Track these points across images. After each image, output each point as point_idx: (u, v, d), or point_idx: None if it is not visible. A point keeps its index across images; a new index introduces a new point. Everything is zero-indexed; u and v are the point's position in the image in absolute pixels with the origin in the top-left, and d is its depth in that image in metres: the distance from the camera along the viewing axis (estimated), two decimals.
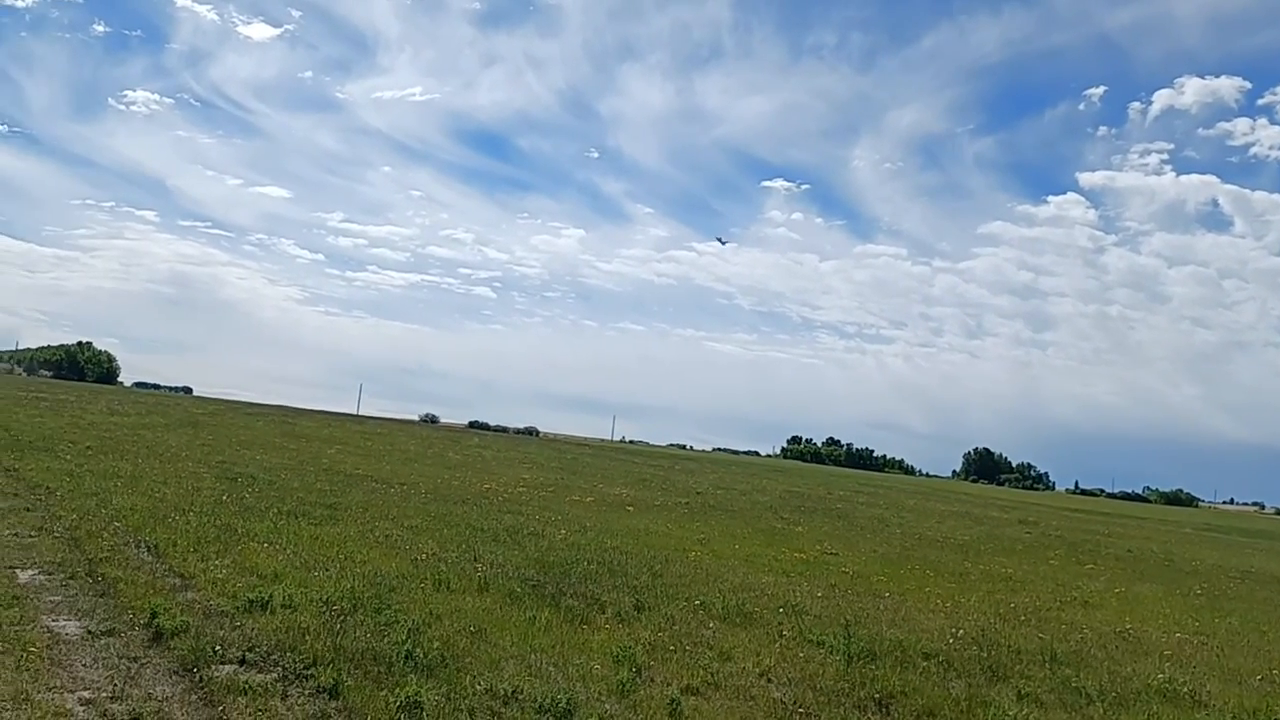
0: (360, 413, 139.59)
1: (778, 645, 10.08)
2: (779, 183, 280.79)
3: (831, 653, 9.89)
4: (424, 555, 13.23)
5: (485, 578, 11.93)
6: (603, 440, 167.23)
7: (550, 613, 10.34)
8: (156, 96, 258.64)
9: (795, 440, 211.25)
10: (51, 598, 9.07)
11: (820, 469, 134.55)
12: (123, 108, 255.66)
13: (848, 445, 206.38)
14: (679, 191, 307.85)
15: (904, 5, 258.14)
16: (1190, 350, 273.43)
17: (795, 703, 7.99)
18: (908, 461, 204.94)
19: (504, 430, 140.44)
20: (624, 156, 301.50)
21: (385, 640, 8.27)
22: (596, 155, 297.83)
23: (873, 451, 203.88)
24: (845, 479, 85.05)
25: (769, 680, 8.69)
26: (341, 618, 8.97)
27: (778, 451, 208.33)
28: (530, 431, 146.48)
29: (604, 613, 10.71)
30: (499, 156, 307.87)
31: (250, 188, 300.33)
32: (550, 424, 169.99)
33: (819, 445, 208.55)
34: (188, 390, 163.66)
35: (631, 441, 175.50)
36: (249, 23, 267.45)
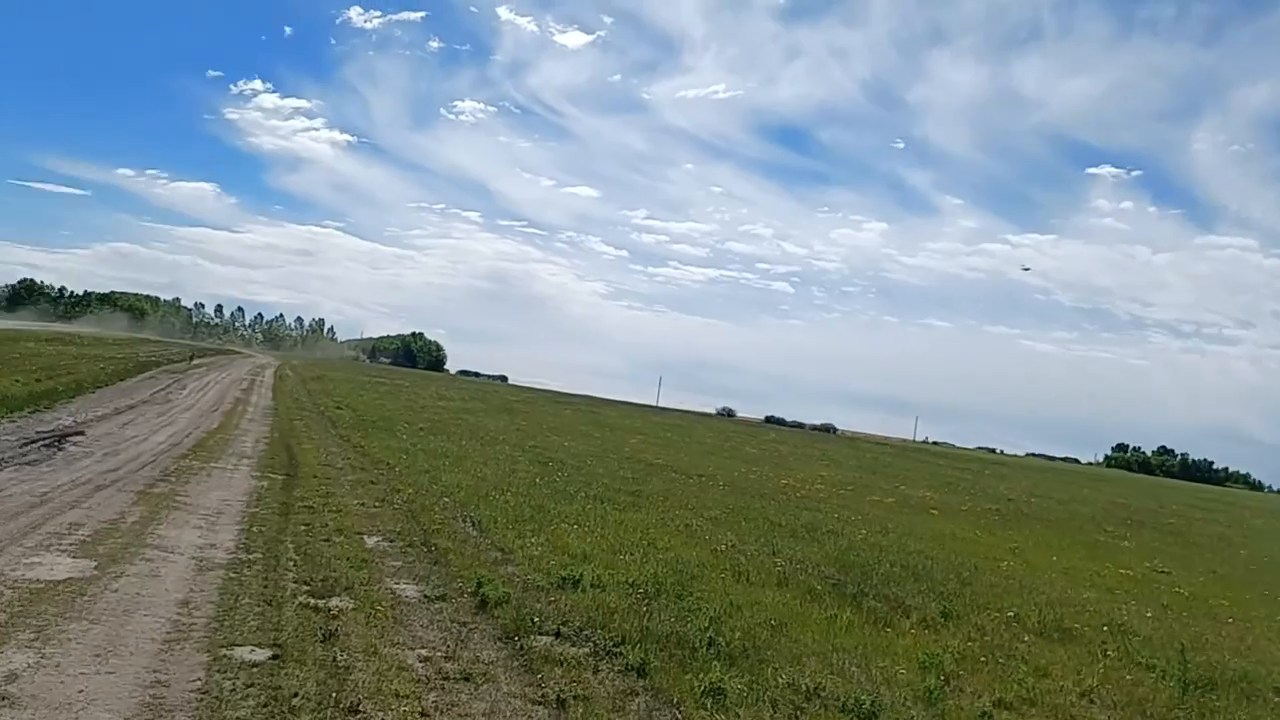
0: (660, 404, 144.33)
1: (1101, 665, 9.26)
2: (1106, 169, 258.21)
3: (1163, 678, 8.94)
4: (723, 546, 13.38)
5: (784, 572, 11.86)
6: (904, 440, 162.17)
7: (851, 613, 10.10)
8: (481, 105, 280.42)
9: (1121, 448, 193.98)
10: (393, 563, 10.03)
11: (1149, 480, 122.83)
12: (452, 117, 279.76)
13: (1182, 455, 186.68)
14: (991, 181, 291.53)
15: None
16: None
17: None
18: (1254, 476, 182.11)
19: (800, 426, 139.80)
20: (931, 146, 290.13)
21: (688, 626, 8.41)
22: (902, 145, 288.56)
23: (1212, 463, 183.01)
24: (1179, 492, 77.07)
25: (1091, 701, 7.99)
26: (646, 601, 9.24)
27: (1100, 460, 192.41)
28: (827, 428, 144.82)
29: (908, 617, 10.31)
30: (799, 150, 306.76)
31: (562, 188, 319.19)
32: (847, 421, 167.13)
33: (1148, 454, 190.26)
34: (504, 378, 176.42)
35: (935, 443, 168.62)
36: (564, 31, 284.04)
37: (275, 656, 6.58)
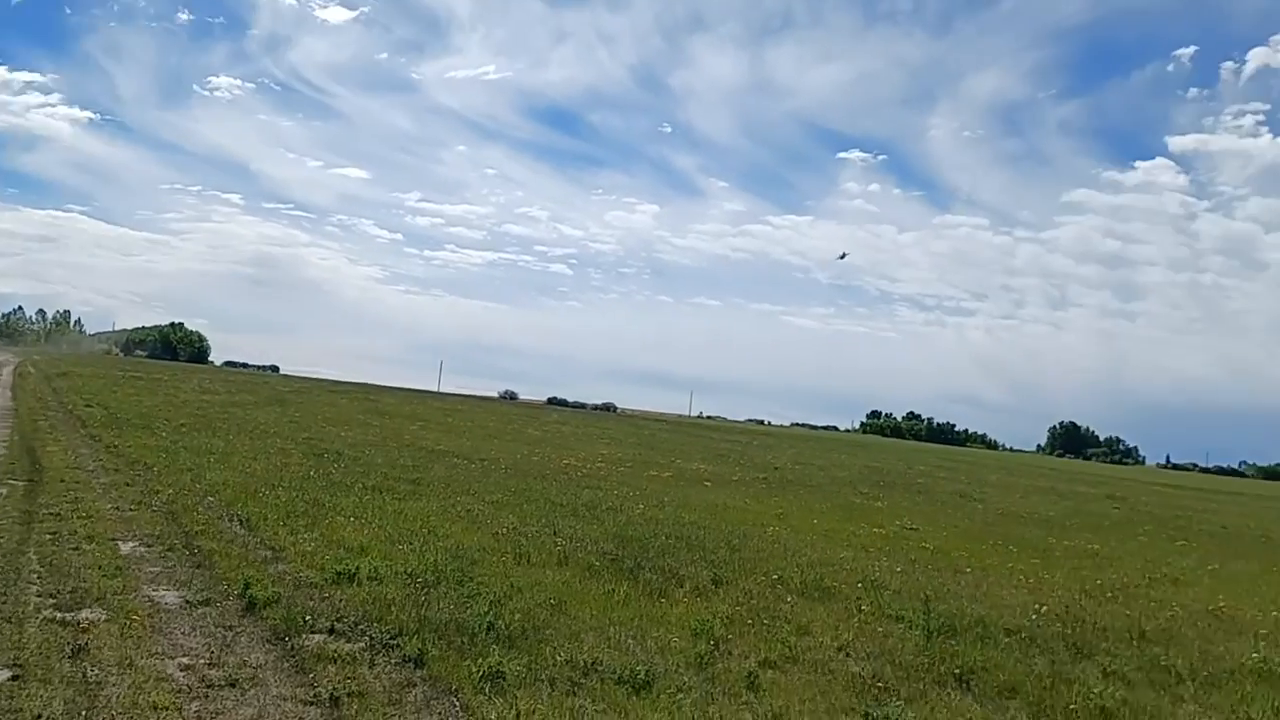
0: (441, 390, 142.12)
1: (856, 620, 10.02)
2: (855, 154, 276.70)
3: (911, 628, 9.80)
4: (505, 529, 13.45)
5: (565, 551, 12.08)
6: (680, 416, 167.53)
7: (629, 586, 10.43)
8: (239, 82, 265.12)
9: (875, 415, 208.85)
10: (151, 568, 9.45)
11: (900, 444, 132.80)
12: (207, 94, 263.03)
13: (928, 420, 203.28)
14: (753, 165, 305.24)
15: None
16: None
17: (874, 677, 7.94)
18: (990, 436, 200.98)
19: (582, 406, 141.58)
20: (696, 130, 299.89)
21: (468, 612, 8.44)
22: (669, 130, 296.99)
23: (954, 426, 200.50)
24: (926, 454, 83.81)
25: (847, 655, 8.65)
26: (425, 590, 9.19)
27: (857, 426, 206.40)
28: (608, 408, 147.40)
29: (682, 587, 10.76)
30: (571, 133, 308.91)
31: (330, 169, 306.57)
32: (628, 400, 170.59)
33: (899, 420, 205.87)
34: (274, 369, 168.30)
35: (709, 417, 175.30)
36: (326, 6, 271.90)
37: (15, 677, 6.10)
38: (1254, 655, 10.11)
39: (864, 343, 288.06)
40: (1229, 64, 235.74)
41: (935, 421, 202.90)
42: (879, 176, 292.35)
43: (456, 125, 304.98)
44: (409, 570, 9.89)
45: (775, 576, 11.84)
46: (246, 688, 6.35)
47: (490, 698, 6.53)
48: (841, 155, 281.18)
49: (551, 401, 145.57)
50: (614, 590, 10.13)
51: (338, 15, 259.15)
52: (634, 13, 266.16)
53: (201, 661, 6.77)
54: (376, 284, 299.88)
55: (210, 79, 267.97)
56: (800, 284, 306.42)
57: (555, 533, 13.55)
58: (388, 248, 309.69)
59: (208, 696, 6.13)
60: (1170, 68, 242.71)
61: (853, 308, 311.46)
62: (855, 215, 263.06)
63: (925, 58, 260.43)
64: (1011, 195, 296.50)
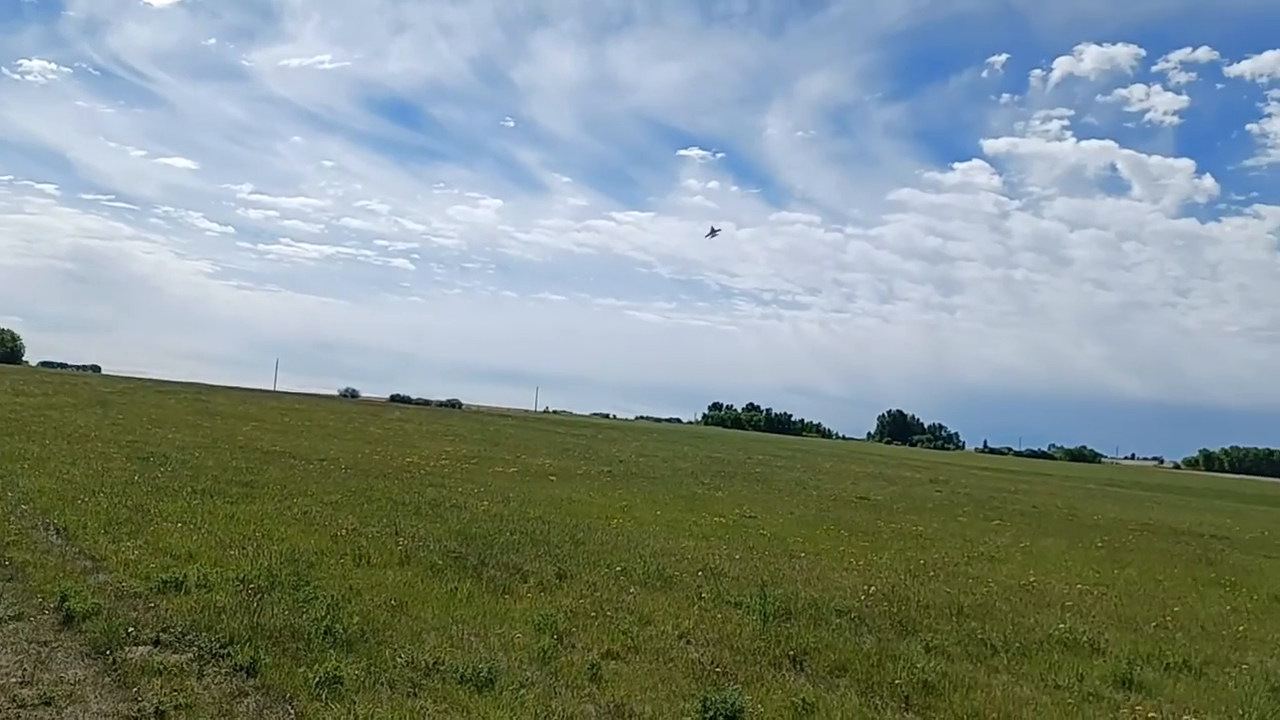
0: (277, 389, 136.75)
1: (696, 608, 10.30)
2: (694, 151, 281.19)
3: (748, 613, 10.15)
4: (344, 530, 13.14)
5: (406, 551, 11.91)
6: (526, 411, 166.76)
7: (472, 584, 10.39)
8: (53, 66, 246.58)
9: (716, 407, 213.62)
10: None
11: (740, 434, 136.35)
12: (18, 78, 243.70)
13: (767, 410, 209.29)
14: (596, 161, 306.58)
15: None
16: (1092, 311, 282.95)
17: (713, 662, 8.20)
18: (825, 425, 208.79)
19: (426, 403, 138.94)
20: (539, 125, 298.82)
21: (304, 617, 8.23)
22: (512, 124, 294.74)
23: (791, 416, 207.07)
24: (764, 444, 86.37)
25: (688, 642, 8.90)
26: (259, 596, 8.90)
27: (699, 418, 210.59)
28: (453, 404, 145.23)
29: (526, 582, 10.80)
30: (412, 126, 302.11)
31: (154, 159, 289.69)
32: (473, 396, 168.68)
33: (739, 411, 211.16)
34: (96, 369, 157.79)
35: (555, 412, 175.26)
36: None
37: None
38: (1060, 626, 10.96)
39: (706, 336, 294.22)
40: (1037, 71, 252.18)
41: (774, 412, 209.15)
42: (718, 174, 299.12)
43: (291, 115, 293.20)
44: (241, 576, 9.55)
45: (619, 568, 12.02)
46: (63, 705, 6.03)
47: (327, 704, 6.41)
48: (682, 152, 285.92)
49: (395, 399, 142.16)
50: (457, 588, 10.07)
51: None
52: (475, 6, 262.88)
53: (13, 680, 6.38)
54: (207, 279, 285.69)
55: (21, 62, 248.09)
56: (644, 279, 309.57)
57: (397, 532, 13.33)
58: (218, 241, 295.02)
59: (19, 718, 5.79)
60: (985, 74, 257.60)
61: (694, 302, 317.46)
62: (696, 211, 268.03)
63: (760, 59, 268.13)
64: (842, 193, 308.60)
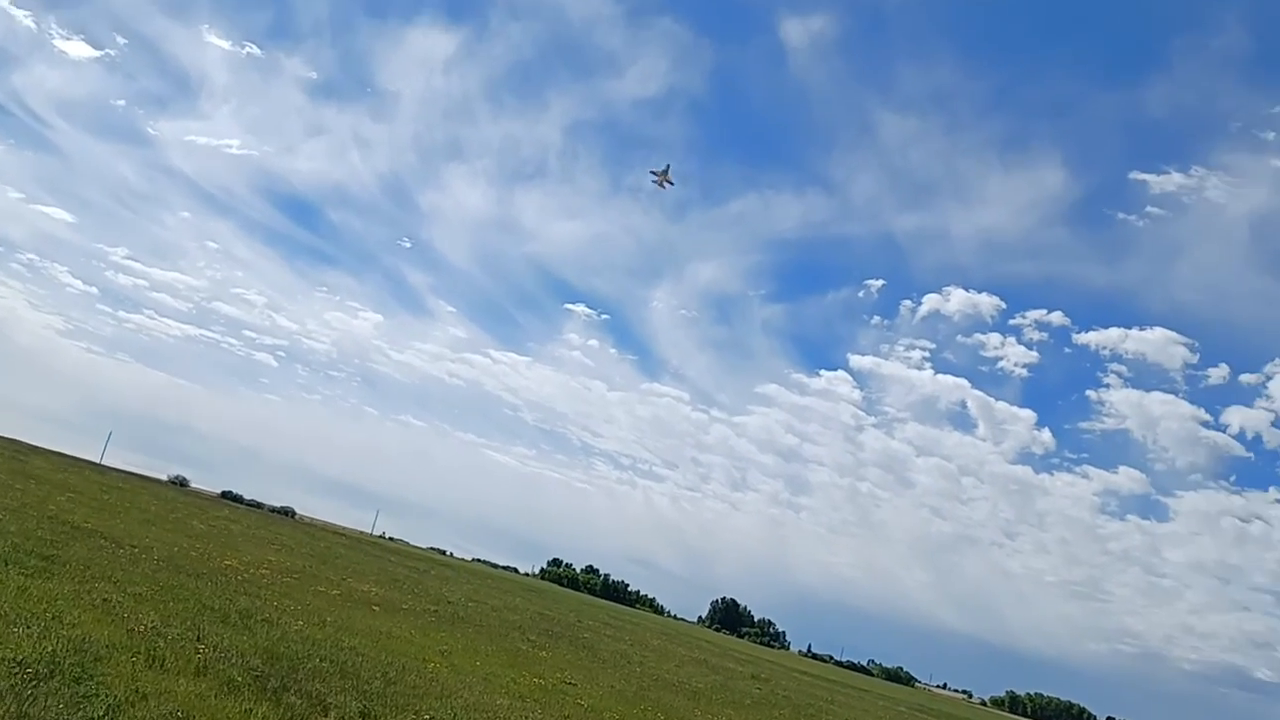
0: (104, 462, 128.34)
1: None
2: (581, 307, 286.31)
3: None
4: (143, 627, 12.32)
5: (206, 661, 11.23)
6: (361, 532, 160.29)
7: (269, 708, 9.86)
8: None
9: (555, 563, 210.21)
10: None
11: (575, 595, 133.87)
12: None
13: (605, 576, 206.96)
14: (484, 297, 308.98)
15: (720, 168, 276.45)
16: (926, 537, 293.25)
17: None
18: (659, 601, 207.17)
19: (258, 506, 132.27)
20: (435, 251, 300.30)
21: (79, 714, 7.66)
22: (409, 245, 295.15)
23: (627, 585, 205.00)
24: (597, 609, 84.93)
25: None
26: (35, 683, 8.24)
27: (536, 571, 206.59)
28: (286, 511, 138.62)
29: (326, 715, 10.30)
30: (308, 226, 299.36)
31: (32, 204, 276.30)
32: (309, 507, 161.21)
33: (577, 571, 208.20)
34: None
35: (391, 538, 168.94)
36: (68, 38, 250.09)
37: None
38: None
39: (558, 490, 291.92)
40: (908, 302, 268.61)
41: (611, 578, 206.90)
42: (600, 334, 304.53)
43: (186, 190, 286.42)
44: (19, 658, 8.85)
45: (428, 716, 11.59)
46: None
47: None
48: (569, 306, 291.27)
49: (226, 496, 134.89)
50: (252, 711, 9.54)
51: (80, 50, 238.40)
52: (396, 125, 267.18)
53: None
54: (56, 335, 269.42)
55: None
56: (508, 421, 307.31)
57: (199, 638, 12.57)
58: (78, 299, 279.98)
59: None
60: (861, 294, 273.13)
61: (554, 453, 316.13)
62: (572, 365, 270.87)
63: (658, 236, 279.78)
64: (713, 377, 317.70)
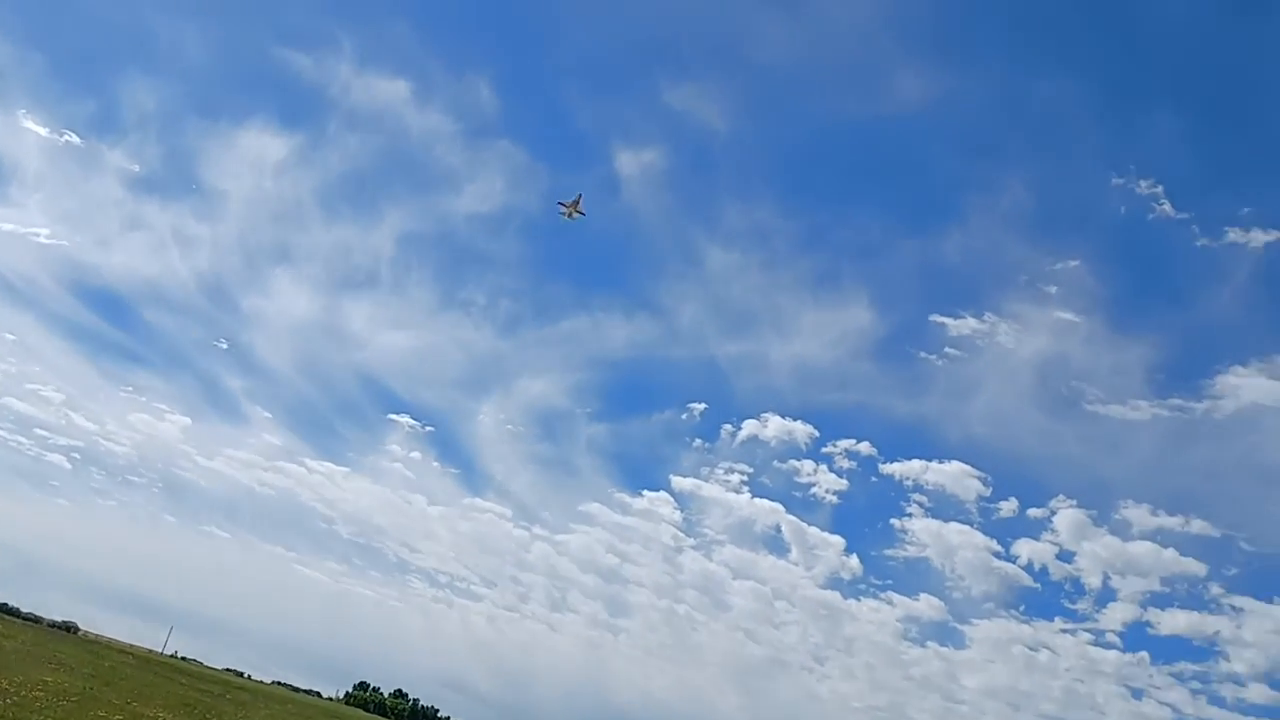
0: None
1: None
2: (405, 419, 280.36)
3: None
4: None
5: None
6: (151, 651, 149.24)
7: None
8: None
9: (362, 686, 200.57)
10: None
11: None
12: None
13: (414, 701, 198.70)
14: (304, 404, 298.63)
15: (553, 287, 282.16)
16: (740, 660, 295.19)
17: None
18: None
19: (37, 620, 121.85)
20: (254, 355, 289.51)
21: None
22: (225, 347, 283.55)
23: (438, 711, 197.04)
24: None
25: None
26: None
27: (341, 695, 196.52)
28: (68, 627, 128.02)
29: None
30: (117, 322, 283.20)
31: None
32: (95, 622, 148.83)
33: (385, 695, 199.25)
34: None
35: (184, 658, 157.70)
36: None
37: None
38: None
39: (370, 608, 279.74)
40: (728, 426, 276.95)
41: (421, 703, 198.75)
42: (423, 446, 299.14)
43: None
44: None
45: None
46: None
47: None
48: (392, 417, 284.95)
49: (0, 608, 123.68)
50: None
51: None
52: (221, 225, 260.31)
53: None
54: None
55: None
56: (321, 534, 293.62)
57: None
58: None
59: None
60: (684, 416, 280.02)
61: (367, 569, 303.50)
62: (393, 478, 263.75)
63: (488, 350, 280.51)
64: (537, 494, 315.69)
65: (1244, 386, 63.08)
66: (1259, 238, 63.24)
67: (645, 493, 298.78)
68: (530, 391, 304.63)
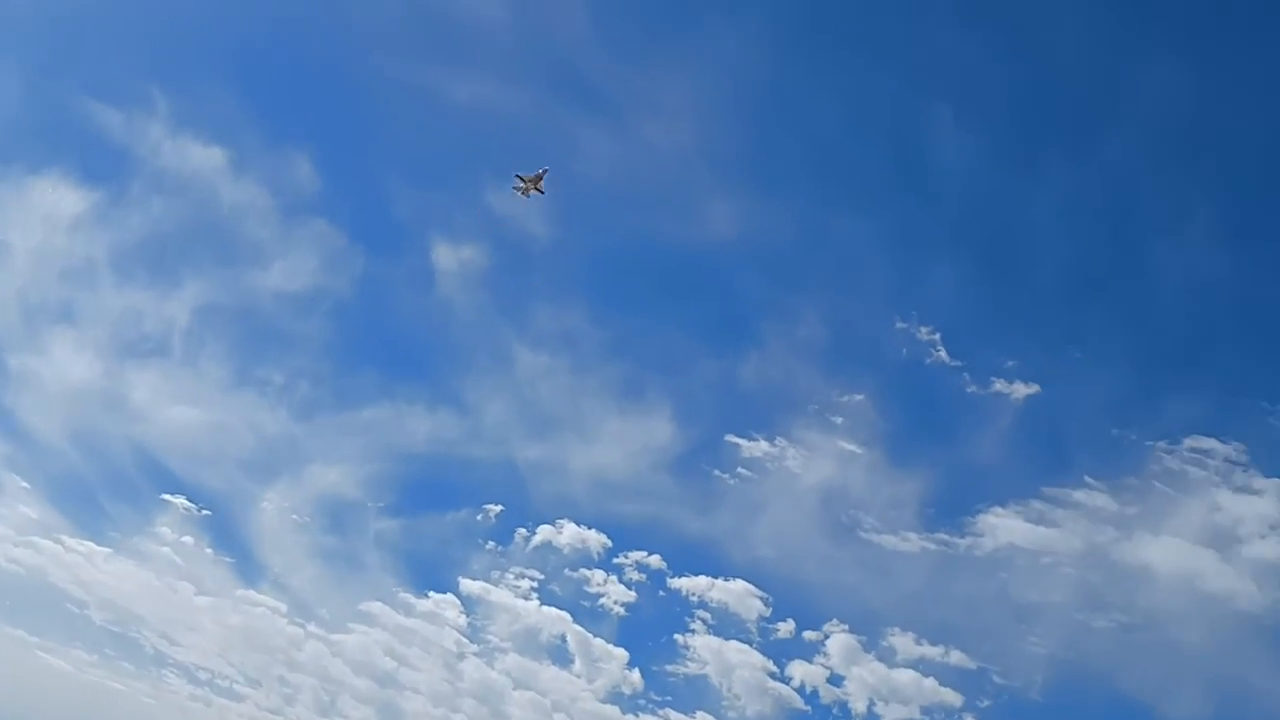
0: None
1: None
2: (181, 500, 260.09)
3: None
4: None
5: None
6: None
7: None
8: None
9: None
10: None
11: None
12: None
13: None
14: (70, 476, 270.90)
15: (357, 373, 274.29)
16: None
17: None
18: None
19: None
20: (17, 419, 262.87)
21: None
22: None
23: None
24: None
25: None
26: None
27: None
28: None
29: None
30: None
31: None
32: None
33: None
34: None
35: None
36: None
37: None
38: None
39: (117, 703, 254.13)
40: (523, 530, 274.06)
41: None
42: (196, 530, 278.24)
43: None
44: None
45: None
46: None
47: None
48: (166, 497, 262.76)
49: None
50: None
51: None
52: (1, 278, 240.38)
53: None
54: None
55: None
56: (72, 619, 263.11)
57: None
58: None
59: None
60: (479, 517, 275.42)
61: (120, 660, 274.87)
62: (159, 562, 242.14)
63: (281, 433, 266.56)
64: (317, 589, 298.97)
65: (1001, 526, 70.14)
66: (1021, 390, 71.34)
67: (431, 594, 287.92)
68: (321, 480, 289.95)
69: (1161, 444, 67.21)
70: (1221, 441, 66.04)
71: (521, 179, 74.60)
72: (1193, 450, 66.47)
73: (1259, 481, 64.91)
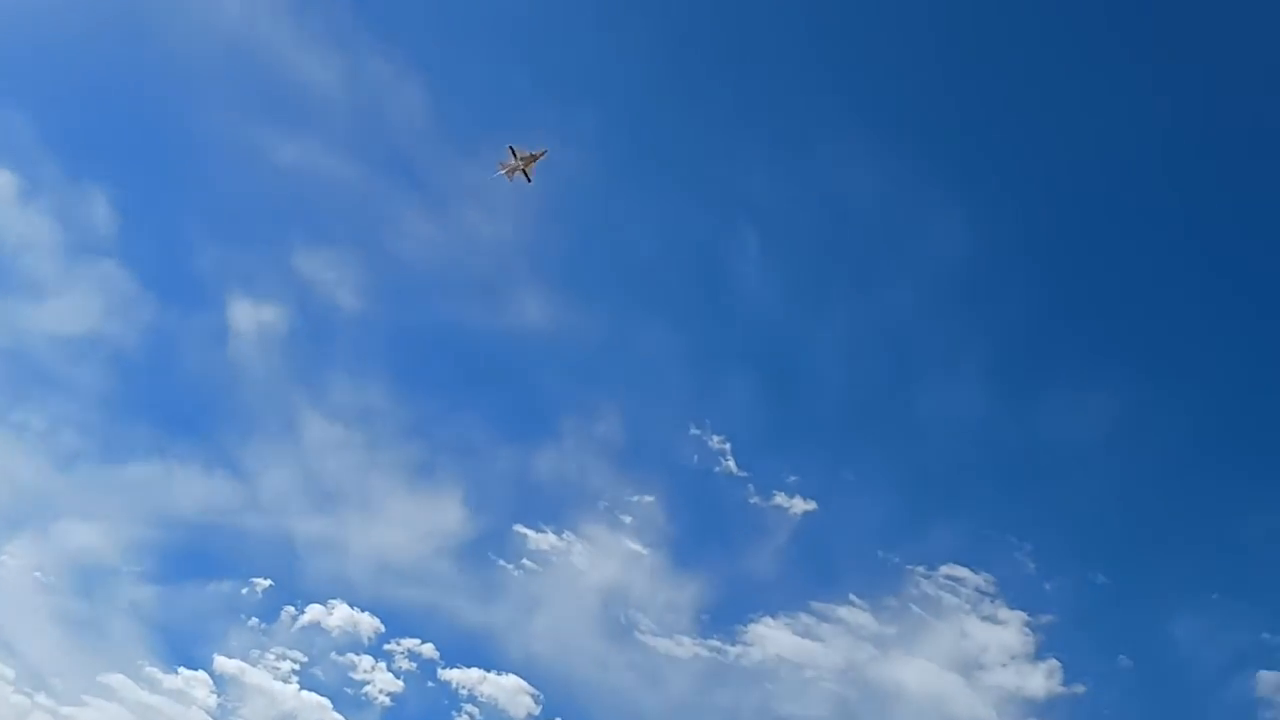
0: None
1: None
2: None
3: None
4: None
5: None
6: None
7: None
8: None
9: None
10: None
11: None
12: None
13: None
14: None
15: (128, 425, 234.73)
16: None
17: None
18: None
19: None
20: None
21: None
22: None
23: None
24: None
25: None
26: None
27: None
28: None
29: None
30: None
31: None
32: None
33: None
34: None
35: None
36: None
37: None
38: None
39: None
40: (290, 609, 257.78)
41: None
42: None
43: None
44: None
45: None
46: None
47: None
48: None
49: None
50: None
51: None
52: None
53: None
54: None
55: None
56: None
57: None
58: None
59: None
60: (245, 591, 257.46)
61: None
62: None
63: (34, 484, 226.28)
64: (53, 657, 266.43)
65: (770, 637, 72.10)
66: (799, 505, 74.43)
67: (182, 670, 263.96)
68: (74, 538, 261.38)
69: (920, 569, 70.59)
70: (973, 571, 69.68)
71: (514, 153, 65.22)
72: (948, 578, 69.96)
73: (1004, 612, 68.61)
